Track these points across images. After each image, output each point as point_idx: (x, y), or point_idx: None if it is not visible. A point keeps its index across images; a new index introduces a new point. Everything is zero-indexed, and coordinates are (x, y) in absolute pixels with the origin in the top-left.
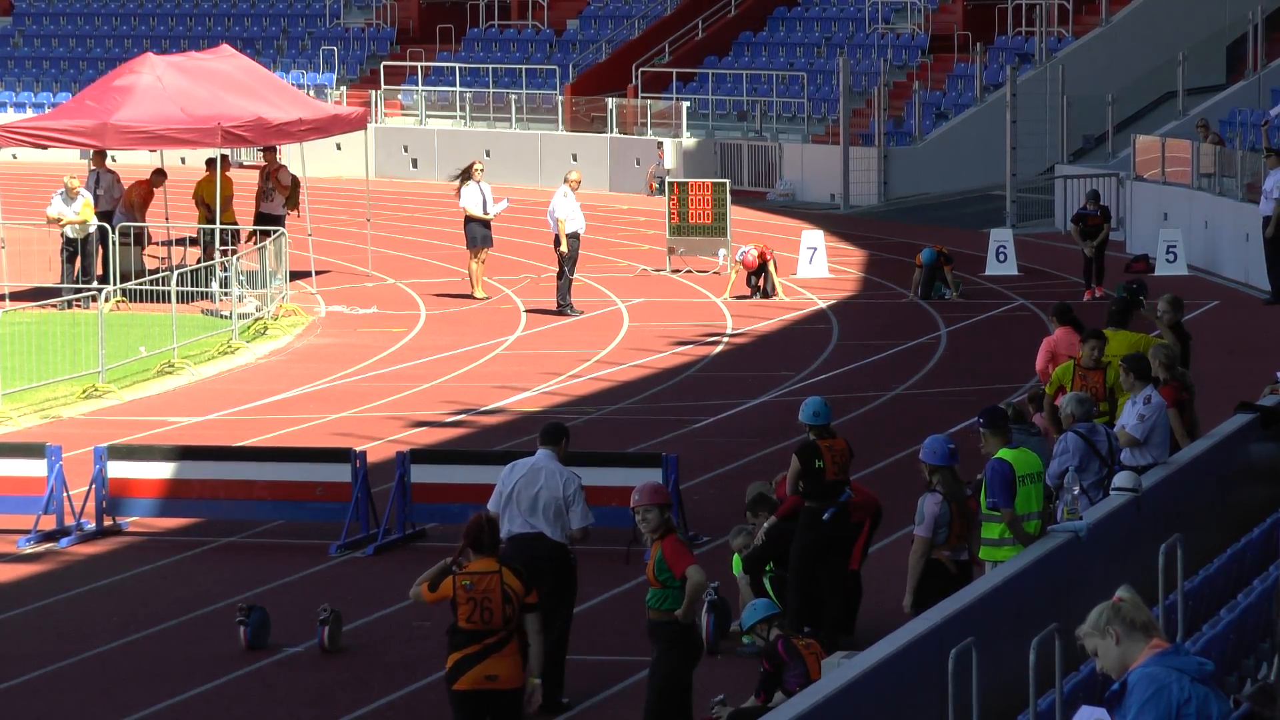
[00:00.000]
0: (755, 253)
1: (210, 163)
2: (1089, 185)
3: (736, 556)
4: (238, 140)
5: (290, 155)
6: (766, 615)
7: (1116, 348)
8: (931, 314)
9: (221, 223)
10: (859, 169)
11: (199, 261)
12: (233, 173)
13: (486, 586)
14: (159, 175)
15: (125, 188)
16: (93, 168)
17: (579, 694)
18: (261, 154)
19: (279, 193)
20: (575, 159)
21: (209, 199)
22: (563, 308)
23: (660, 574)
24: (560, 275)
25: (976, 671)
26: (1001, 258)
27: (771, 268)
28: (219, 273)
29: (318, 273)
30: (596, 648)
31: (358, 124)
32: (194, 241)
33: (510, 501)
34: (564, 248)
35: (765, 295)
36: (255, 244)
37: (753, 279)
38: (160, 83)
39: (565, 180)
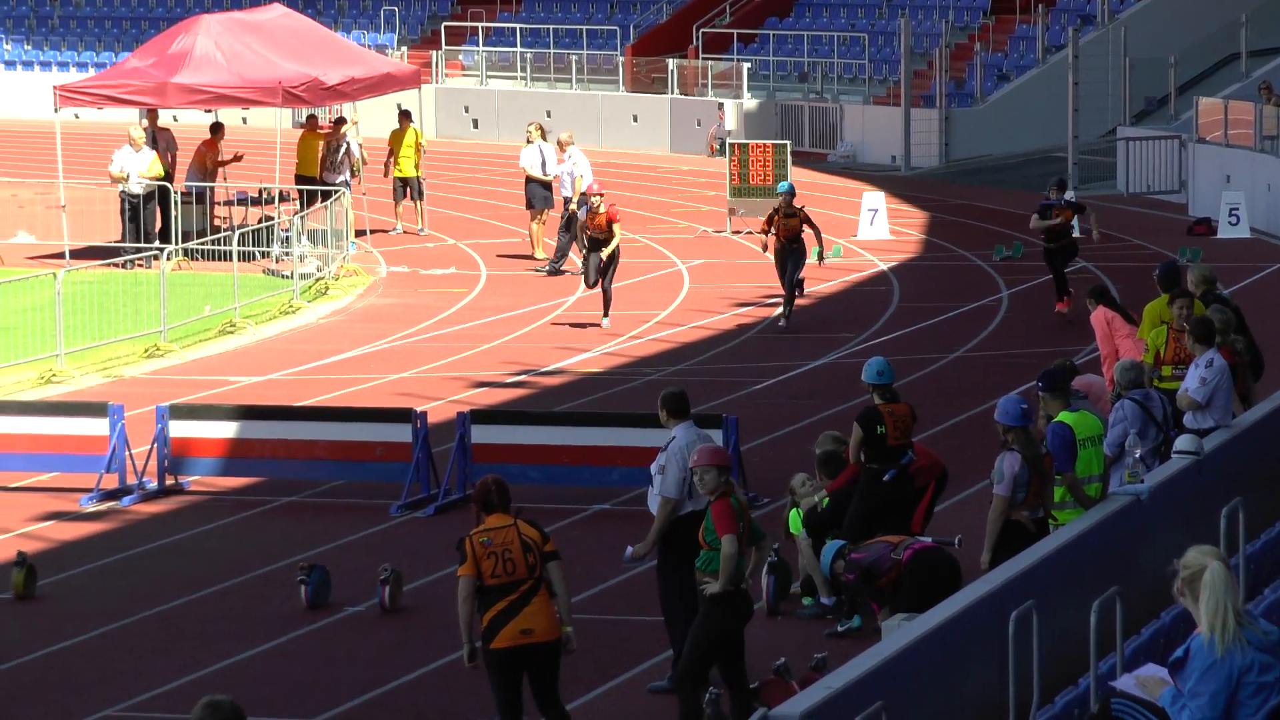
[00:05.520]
0: (602, 209)
1: (310, 119)
2: (1154, 152)
3: (794, 514)
4: (296, 100)
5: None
6: (838, 550)
7: (1156, 314)
8: (993, 276)
9: (308, 181)
10: (920, 130)
11: (296, 215)
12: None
13: (504, 539)
14: (217, 128)
15: (178, 147)
16: (147, 126)
17: (632, 654)
18: (331, 123)
19: (349, 160)
20: (635, 120)
21: (305, 155)
22: (556, 266)
23: (708, 535)
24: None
25: (1037, 634)
26: None
27: (617, 231)
28: (280, 232)
29: (372, 232)
30: (638, 609)
31: (412, 81)
32: (255, 201)
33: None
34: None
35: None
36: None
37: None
38: (216, 42)
39: (558, 141)
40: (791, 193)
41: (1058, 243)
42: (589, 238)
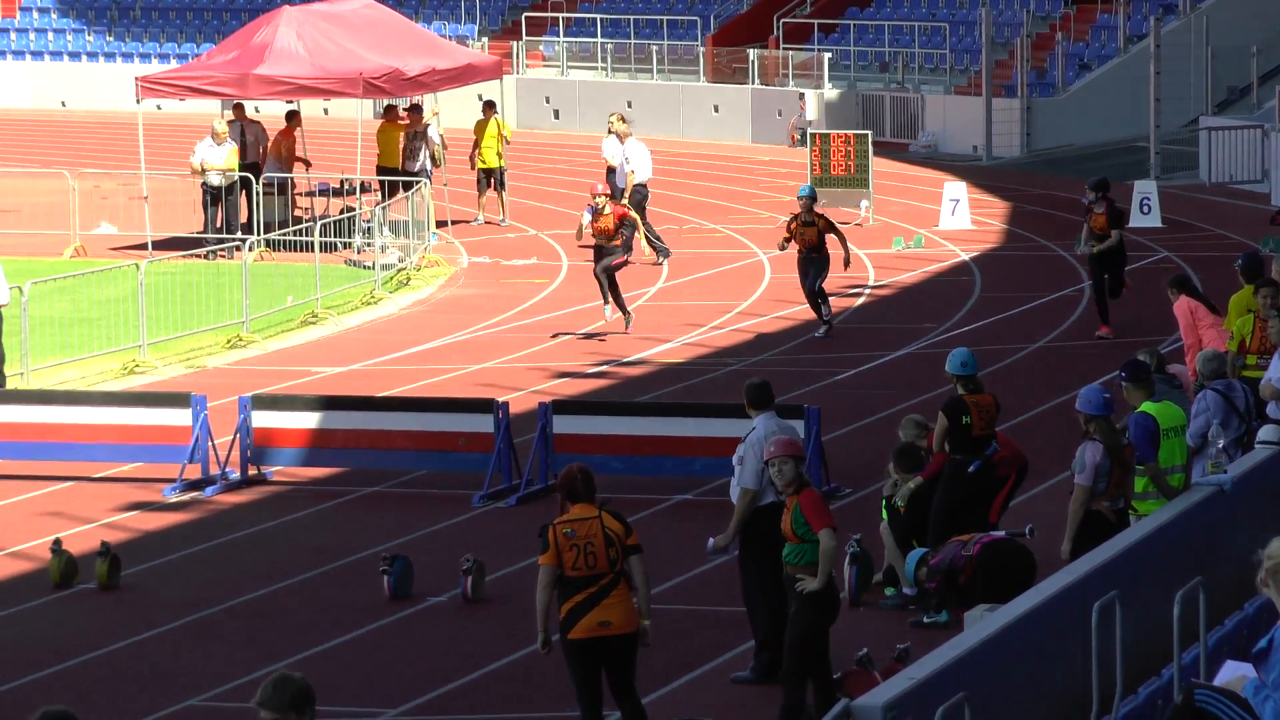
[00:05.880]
0: (607, 211)
1: (389, 109)
2: (1236, 142)
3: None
4: (378, 91)
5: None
6: (921, 557)
7: (1243, 304)
8: (1075, 266)
9: (390, 171)
10: (1002, 120)
11: (378, 205)
12: (383, 126)
13: (587, 532)
14: (293, 116)
15: (269, 139)
16: (234, 119)
17: (715, 645)
18: (407, 112)
19: (428, 150)
20: (716, 110)
21: (386, 146)
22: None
23: (798, 528)
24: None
25: (1120, 624)
26: (1145, 210)
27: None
28: (361, 223)
29: (454, 222)
30: (720, 600)
31: (493, 72)
32: (337, 191)
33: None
34: (626, 199)
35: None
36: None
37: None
38: (298, 33)
39: (616, 128)
40: (812, 197)
41: (1099, 246)
42: (595, 245)
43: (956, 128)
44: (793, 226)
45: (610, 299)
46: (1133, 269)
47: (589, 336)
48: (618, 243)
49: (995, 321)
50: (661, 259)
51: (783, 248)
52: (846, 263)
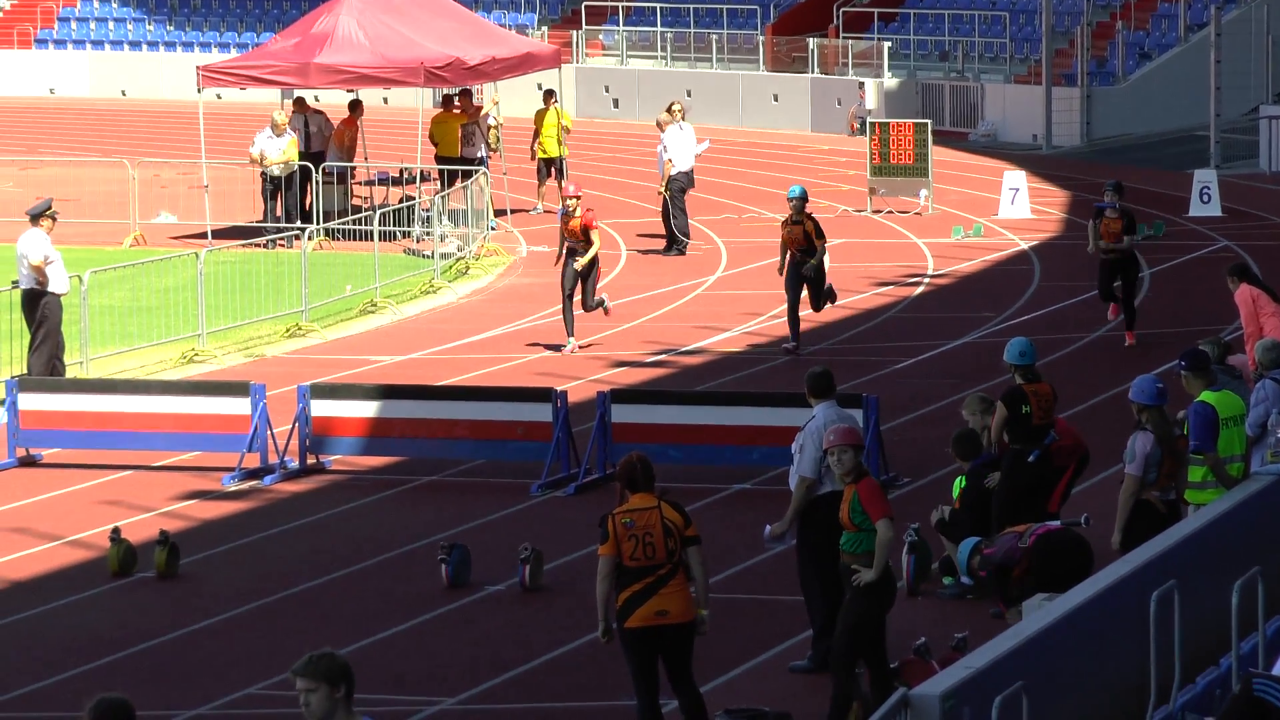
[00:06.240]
0: (578, 213)
1: (447, 99)
2: None
3: (959, 481)
4: (438, 80)
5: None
6: (974, 547)
7: None
8: (1135, 256)
9: (448, 160)
10: (1061, 109)
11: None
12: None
13: (647, 522)
14: (355, 105)
15: (332, 128)
16: (296, 111)
17: (773, 633)
18: (458, 98)
19: (482, 136)
20: (776, 99)
21: (441, 138)
22: (679, 242)
23: (855, 517)
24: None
25: (1178, 614)
26: (1205, 199)
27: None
28: (421, 212)
29: (513, 211)
30: (777, 589)
31: (552, 61)
32: (396, 180)
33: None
34: (663, 188)
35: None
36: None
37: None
38: (358, 22)
39: (659, 118)
40: (803, 199)
41: (1112, 252)
42: (567, 246)
43: (1016, 117)
44: (784, 231)
45: (572, 329)
46: (1193, 259)
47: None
48: (587, 245)
49: (1054, 311)
50: (674, 252)
51: (781, 270)
52: (815, 270)
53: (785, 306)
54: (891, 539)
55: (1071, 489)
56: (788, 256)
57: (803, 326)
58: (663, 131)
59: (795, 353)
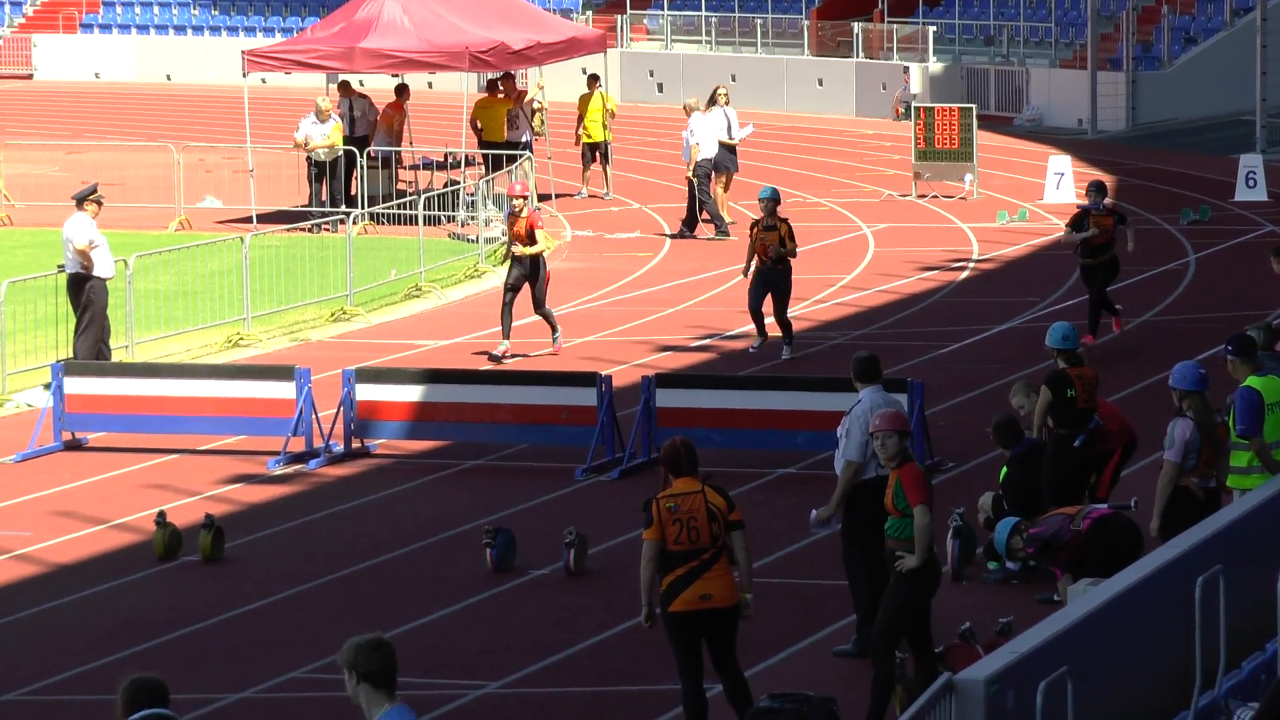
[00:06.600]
0: (524, 214)
1: (492, 84)
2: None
3: (1005, 470)
4: (483, 64)
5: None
6: (1014, 526)
7: None
8: (1180, 240)
9: (493, 145)
10: (1107, 94)
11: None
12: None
13: (691, 506)
14: (402, 90)
15: (377, 112)
16: (342, 96)
17: (817, 618)
18: (501, 83)
19: (527, 120)
20: (820, 84)
21: (486, 122)
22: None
23: (898, 502)
24: (705, 200)
25: (1224, 599)
26: (1251, 183)
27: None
28: (465, 197)
29: (557, 196)
30: (822, 573)
31: (597, 46)
32: (440, 165)
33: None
34: (690, 172)
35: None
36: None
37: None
38: (403, 7)
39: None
40: (774, 200)
41: (1096, 258)
42: (512, 255)
43: (1061, 101)
44: (754, 233)
45: (508, 331)
46: (1239, 243)
47: (494, 359)
48: (532, 247)
49: None
50: (719, 235)
51: (746, 272)
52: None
53: (747, 305)
54: (929, 525)
55: (1120, 474)
56: (754, 263)
57: (852, 310)
58: (688, 116)
59: (762, 345)
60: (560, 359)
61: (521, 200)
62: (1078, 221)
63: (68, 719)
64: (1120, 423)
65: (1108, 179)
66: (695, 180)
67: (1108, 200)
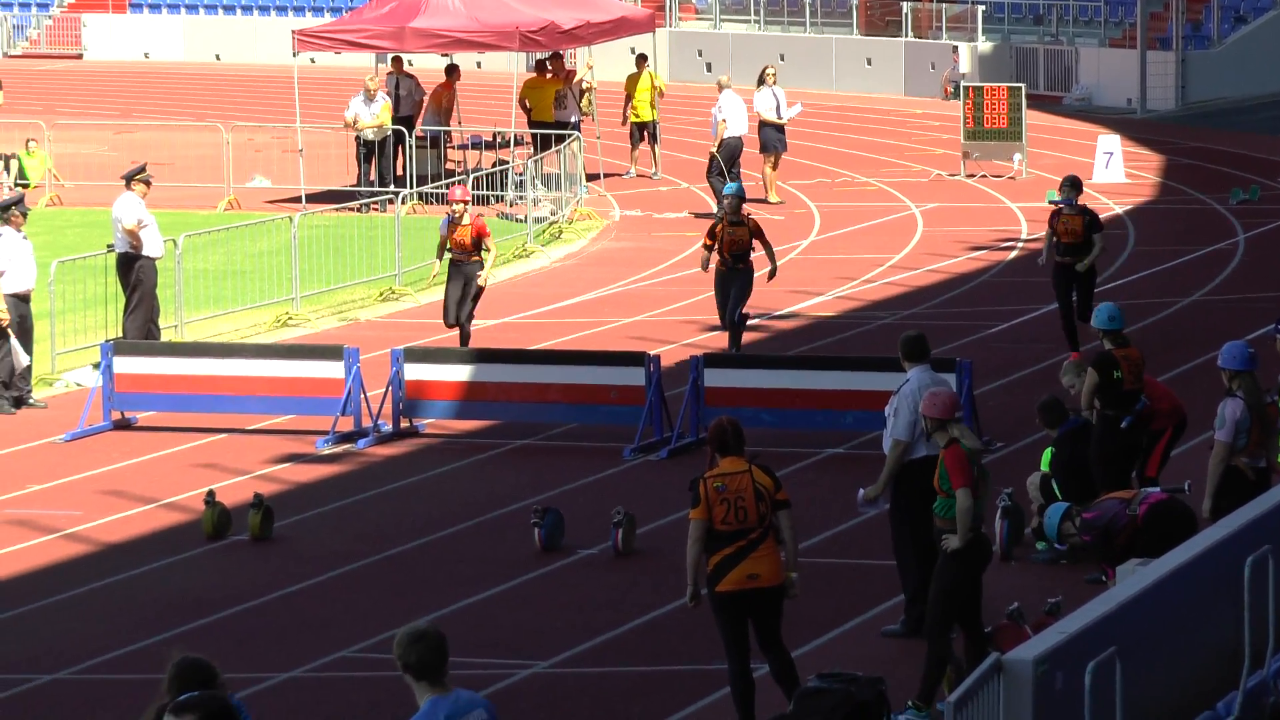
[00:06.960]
0: (466, 220)
1: (540, 64)
2: None
3: (1047, 452)
4: (533, 44)
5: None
6: (1065, 511)
7: None
8: (1229, 219)
9: (541, 125)
10: (1156, 73)
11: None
12: (533, 80)
13: (738, 486)
14: (453, 70)
15: (424, 92)
16: (391, 72)
17: (866, 598)
18: (550, 62)
19: (576, 100)
20: (869, 63)
21: (535, 102)
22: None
23: (944, 483)
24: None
25: (1273, 580)
26: None
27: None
28: (514, 176)
29: (606, 176)
30: (870, 553)
31: (646, 26)
32: (489, 145)
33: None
34: (716, 149)
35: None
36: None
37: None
38: None
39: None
40: (740, 197)
41: (1077, 256)
42: (451, 258)
43: (1110, 80)
44: (718, 229)
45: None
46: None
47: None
48: (477, 258)
49: (1148, 275)
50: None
51: (705, 266)
52: (772, 275)
53: (719, 315)
54: (970, 508)
55: (1170, 453)
56: (715, 261)
57: (901, 290)
58: (719, 93)
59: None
60: (609, 338)
61: (463, 205)
62: (1053, 220)
63: (118, 697)
64: (1171, 402)
65: (1156, 158)
66: (718, 156)
67: (1081, 199)
